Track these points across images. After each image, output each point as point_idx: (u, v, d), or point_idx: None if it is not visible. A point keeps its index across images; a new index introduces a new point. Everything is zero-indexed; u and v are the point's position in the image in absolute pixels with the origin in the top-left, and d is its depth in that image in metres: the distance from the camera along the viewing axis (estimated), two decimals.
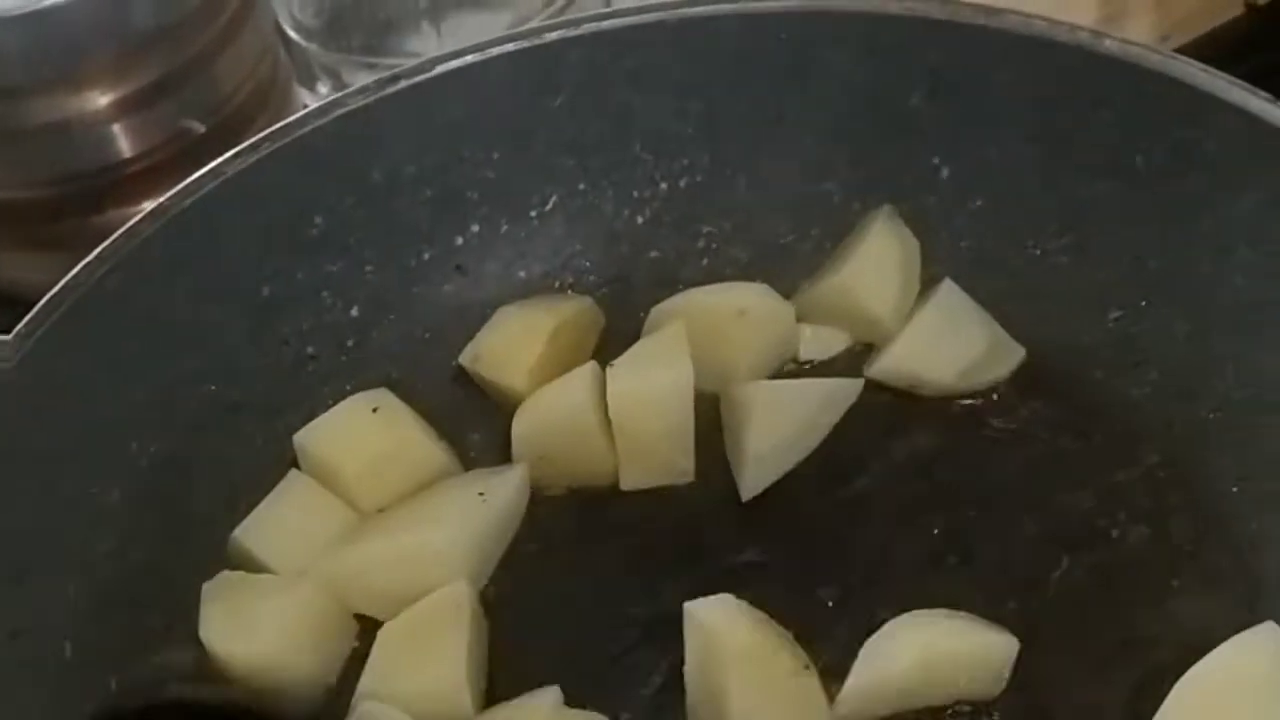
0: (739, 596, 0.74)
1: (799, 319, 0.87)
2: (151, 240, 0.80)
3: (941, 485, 0.81)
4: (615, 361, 0.82)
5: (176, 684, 0.76)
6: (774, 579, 0.78)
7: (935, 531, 0.79)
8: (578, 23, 0.86)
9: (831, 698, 0.72)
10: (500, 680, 0.76)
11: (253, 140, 0.83)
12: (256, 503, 0.81)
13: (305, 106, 0.87)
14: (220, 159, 0.82)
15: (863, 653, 0.72)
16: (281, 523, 0.81)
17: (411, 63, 0.86)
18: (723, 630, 0.72)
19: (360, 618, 0.79)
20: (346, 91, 0.85)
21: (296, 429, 0.83)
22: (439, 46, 1.09)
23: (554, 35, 0.86)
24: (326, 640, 0.77)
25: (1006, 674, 0.73)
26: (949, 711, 0.73)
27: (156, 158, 0.99)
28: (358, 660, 0.76)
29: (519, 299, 0.88)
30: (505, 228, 0.89)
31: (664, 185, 0.90)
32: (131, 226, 0.80)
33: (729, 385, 0.83)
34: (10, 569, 0.72)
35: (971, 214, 0.86)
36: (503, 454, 0.84)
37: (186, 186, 0.81)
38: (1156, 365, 0.82)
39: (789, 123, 0.87)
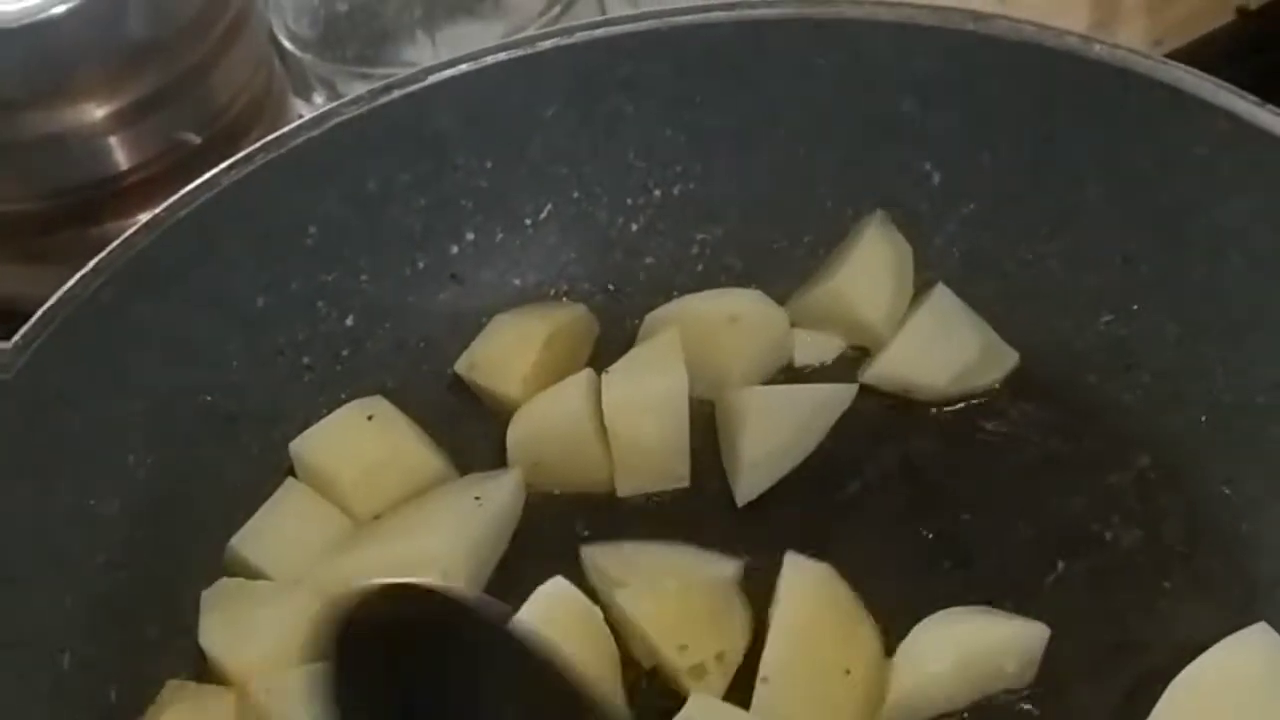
0: None
1: (793, 325, 0.87)
2: (147, 252, 0.80)
3: (935, 490, 0.81)
4: (610, 368, 0.83)
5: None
6: (770, 584, 0.78)
7: (929, 536, 0.80)
8: (571, 31, 0.87)
9: None
10: None
11: (247, 151, 0.83)
12: (253, 512, 0.81)
13: (301, 117, 0.87)
14: (215, 170, 0.83)
15: (896, 662, 0.72)
16: (278, 531, 0.81)
17: (405, 72, 0.86)
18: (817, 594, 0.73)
19: None
20: (340, 102, 0.86)
21: (292, 438, 0.83)
22: (434, 56, 1.10)
23: (547, 44, 0.86)
24: None
25: (1038, 660, 0.73)
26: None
27: (152, 169, 0.99)
28: None
29: (514, 307, 0.89)
30: (500, 236, 0.90)
31: (658, 193, 0.90)
32: (127, 238, 0.80)
33: (723, 391, 0.84)
34: (8, 579, 0.73)
35: (963, 219, 0.87)
36: (498, 461, 0.84)
37: (181, 198, 0.82)
38: (1148, 369, 0.82)
39: (781, 129, 0.88)
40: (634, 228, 0.90)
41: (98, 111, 0.97)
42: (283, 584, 0.79)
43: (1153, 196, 0.81)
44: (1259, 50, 1.14)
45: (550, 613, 0.73)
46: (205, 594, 0.78)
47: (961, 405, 0.84)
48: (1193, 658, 0.70)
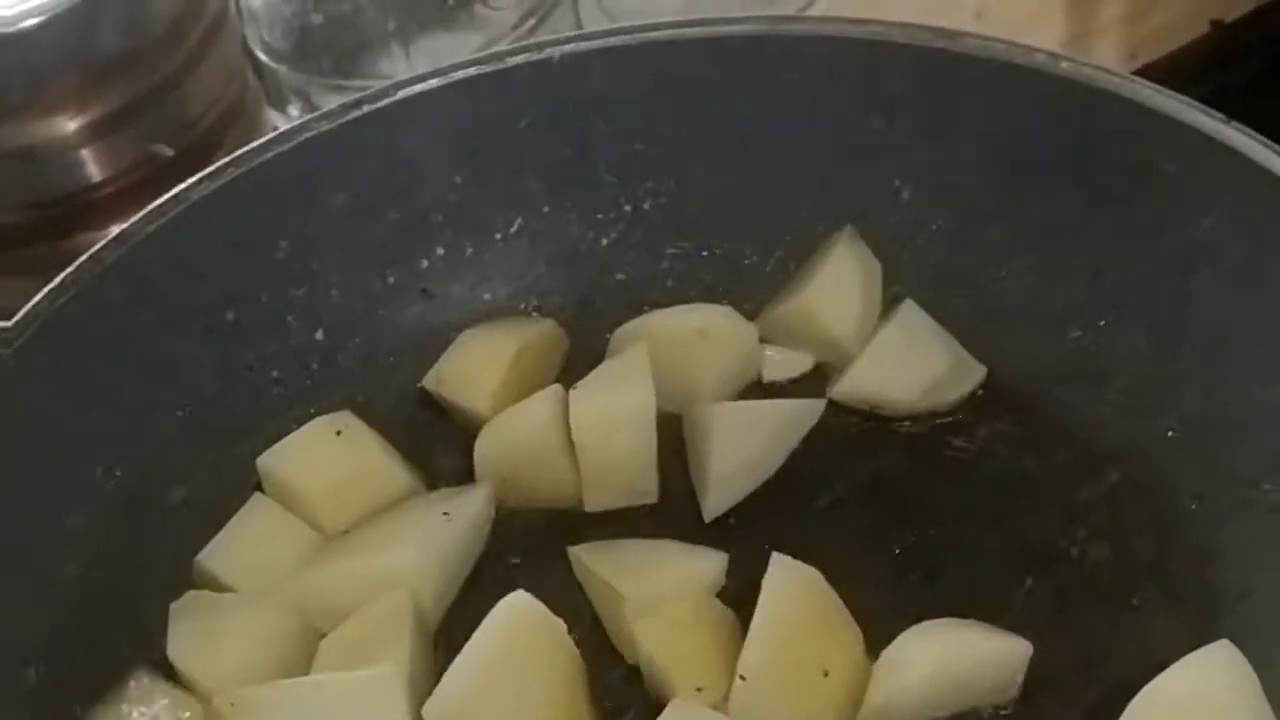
0: None
1: (762, 340, 0.87)
2: (115, 266, 0.80)
3: (904, 505, 0.81)
4: (578, 384, 0.82)
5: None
6: (737, 597, 0.77)
7: (897, 551, 0.80)
8: (541, 46, 0.87)
9: None
10: None
11: (217, 165, 0.83)
12: (222, 526, 0.81)
13: (275, 129, 0.87)
14: (184, 184, 0.83)
15: (878, 667, 0.73)
16: (246, 545, 0.81)
17: (376, 87, 0.86)
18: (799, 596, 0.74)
19: None
20: (310, 117, 0.86)
21: (261, 452, 0.83)
22: (408, 68, 1.10)
23: (517, 59, 0.86)
24: (291, 658, 0.77)
25: (1020, 677, 0.73)
26: None
27: (125, 182, 0.99)
28: None
29: (484, 322, 0.89)
30: (470, 251, 0.90)
31: (628, 208, 0.90)
32: (95, 253, 0.80)
33: (692, 406, 0.84)
34: None
35: (933, 234, 0.87)
36: (467, 477, 0.84)
37: (150, 212, 0.82)
38: (1117, 384, 0.83)
39: (752, 145, 0.88)
40: (605, 243, 0.90)
41: (70, 124, 0.97)
42: (252, 596, 0.79)
43: (1121, 212, 0.82)
44: (1234, 62, 1.15)
45: (512, 627, 0.73)
46: (174, 606, 0.78)
47: (930, 421, 0.84)
48: (1159, 673, 0.70)
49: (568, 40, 0.87)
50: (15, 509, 0.75)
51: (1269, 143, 0.77)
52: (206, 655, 0.76)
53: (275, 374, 0.86)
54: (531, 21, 1.13)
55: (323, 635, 0.78)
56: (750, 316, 0.87)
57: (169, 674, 0.76)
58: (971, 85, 0.83)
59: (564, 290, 0.91)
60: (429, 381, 0.87)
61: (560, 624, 0.74)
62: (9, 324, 0.77)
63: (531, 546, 0.82)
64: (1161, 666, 0.70)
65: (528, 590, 0.74)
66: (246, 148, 0.84)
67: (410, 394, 0.88)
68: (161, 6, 0.98)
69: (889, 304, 0.87)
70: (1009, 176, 0.84)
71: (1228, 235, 0.79)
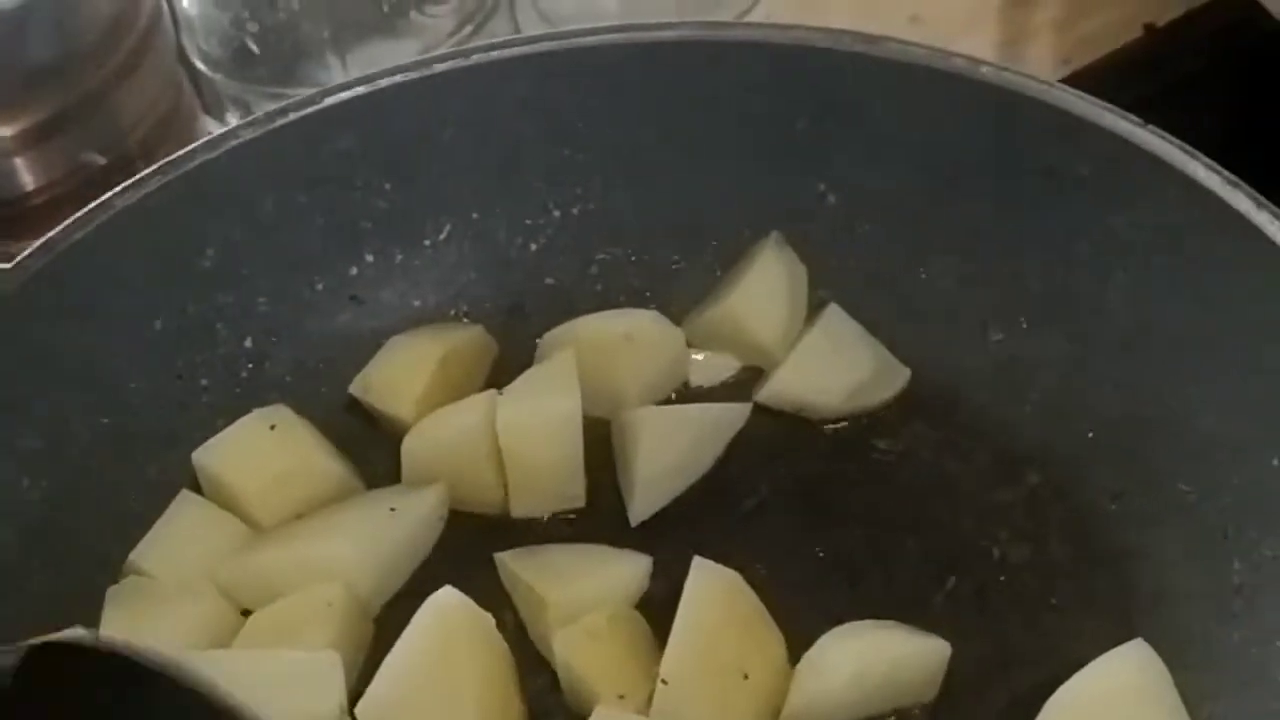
0: None
1: (689, 345, 0.88)
2: (40, 275, 0.80)
3: (828, 507, 0.82)
4: (505, 390, 0.83)
5: None
6: (663, 601, 0.78)
7: (821, 554, 0.80)
8: (468, 53, 0.87)
9: None
10: None
11: (143, 174, 0.83)
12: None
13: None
14: (109, 193, 0.82)
15: (799, 669, 0.73)
16: (176, 542, 0.81)
17: (302, 94, 0.87)
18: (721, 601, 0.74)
19: None
20: (237, 124, 0.86)
21: (189, 461, 0.83)
22: (345, 76, 1.10)
23: (443, 66, 0.86)
24: (223, 643, 0.77)
25: (940, 677, 0.74)
26: None
27: (57, 191, 0.99)
28: None
29: (414, 328, 0.89)
30: (400, 257, 0.90)
31: (557, 213, 0.90)
32: (20, 261, 0.80)
33: (619, 411, 0.84)
34: None
35: (857, 239, 0.88)
36: (397, 483, 0.84)
37: (76, 220, 0.81)
38: (1037, 386, 0.83)
39: (678, 150, 0.88)
40: (533, 248, 0.91)
41: (1, 132, 0.96)
42: (185, 585, 0.79)
43: (1040, 215, 0.82)
44: (1167, 66, 1.15)
45: (442, 623, 0.73)
46: (110, 591, 0.78)
47: (855, 424, 0.85)
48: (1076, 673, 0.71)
49: (494, 46, 0.87)
50: None
51: (1185, 146, 0.78)
52: (137, 640, 0.75)
53: (204, 381, 0.86)
54: (469, 28, 1.13)
55: None
56: (677, 321, 0.88)
57: None
58: (893, 90, 0.84)
59: (494, 296, 0.91)
60: (355, 388, 0.87)
61: (489, 618, 0.74)
62: None
63: (457, 551, 0.82)
64: (1080, 665, 0.71)
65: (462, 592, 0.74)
66: (172, 156, 0.84)
67: (340, 401, 0.88)
68: (93, 14, 0.98)
69: (814, 308, 0.88)
70: (930, 180, 0.85)
71: (1144, 237, 0.80)
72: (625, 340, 0.85)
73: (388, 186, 0.88)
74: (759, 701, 0.73)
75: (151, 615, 0.77)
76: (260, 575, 0.79)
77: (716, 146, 0.88)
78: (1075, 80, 1.09)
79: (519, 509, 0.82)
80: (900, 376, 0.85)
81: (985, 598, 0.78)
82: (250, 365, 0.87)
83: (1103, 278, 0.81)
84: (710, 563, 0.75)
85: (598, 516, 0.83)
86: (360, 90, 0.86)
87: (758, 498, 0.83)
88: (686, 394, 0.87)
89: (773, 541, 0.81)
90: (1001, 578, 0.79)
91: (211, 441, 0.84)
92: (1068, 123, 0.80)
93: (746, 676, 0.73)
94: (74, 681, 0.59)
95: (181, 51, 1.10)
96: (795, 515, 0.82)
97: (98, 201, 0.82)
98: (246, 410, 0.85)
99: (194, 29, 1.11)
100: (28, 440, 0.80)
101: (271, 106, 0.88)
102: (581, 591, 0.76)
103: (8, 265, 0.79)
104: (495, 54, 0.87)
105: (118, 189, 0.82)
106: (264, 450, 0.83)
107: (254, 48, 1.10)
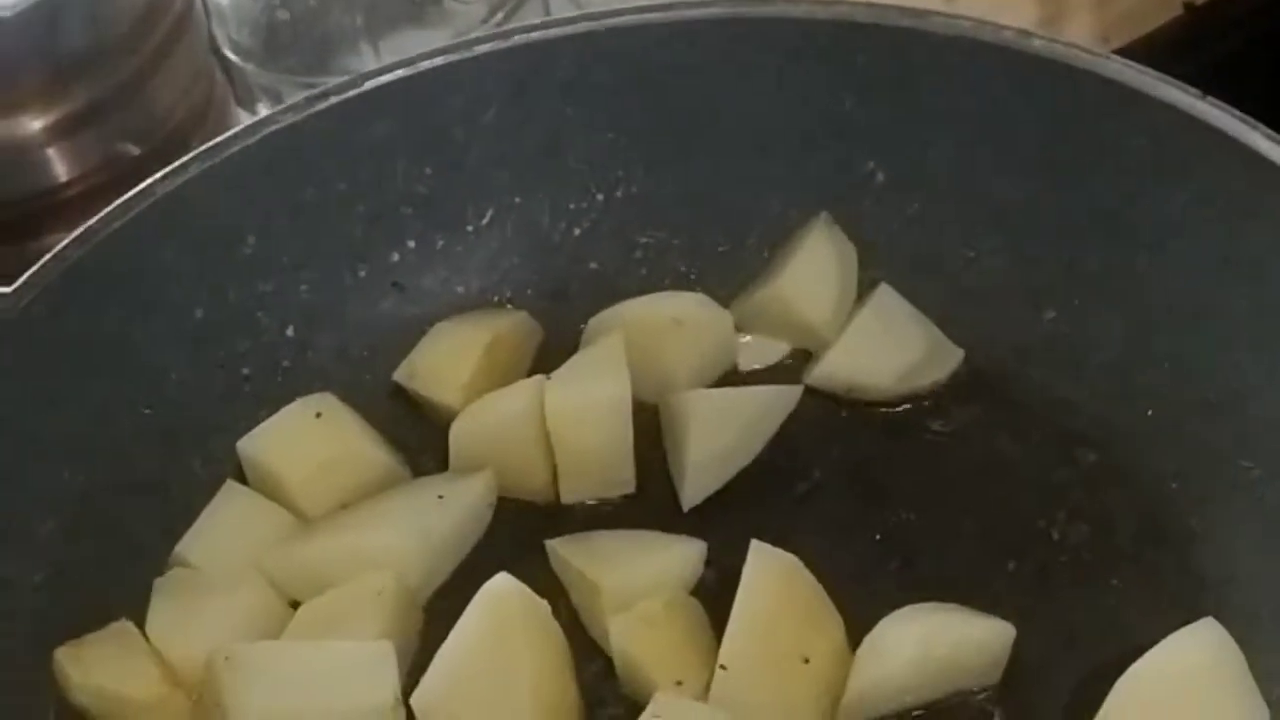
0: None
1: (737, 328, 0.86)
2: (80, 265, 0.79)
3: (882, 490, 0.81)
4: (553, 374, 0.82)
5: None
6: (716, 587, 0.77)
7: (877, 537, 0.79)
8: (507, 35, 0.86)
9: None
10: None
11: (182, 161, 0.83)
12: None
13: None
14: (149, 180, 0.82)
15: (860, 653, 0.72)
16: (222, 533, 0.80)
17: (341, 79, 0.86)
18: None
19: None
20: (275, 110, 0.85)
21: (233, 451, 0.82)
22: (378, 64, 1.09)
23: (483, 48, 0.85)
24: (272, 635, 0.76)
25: (1004, 660, 0.73)
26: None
27: (92, 182, 0.98)
28: None
29: (457, 314, 0.88)
30: (441, 243, 0.89)
31: (600, 196, 0.89)
32: (59, 251, 0.79)
33: (668, 395, 0.83)
34: None
35: (907, 218, 0.86)
36: (444, 470, 0.83)
37: (115, 209, 0.81)
38: (1093, 364, 0.82)
39: (723, 130, 0.87)
40: (577, 232, 0.90)
41: (35, 124, 0.96)
42: (232, 576, 0.78)
43: (1094, 190, 0.81)
44: (1206, 45, 1.14)
45: (497, 610, 0.72)
46: (157, 583, 0.77)
47: (907, 405, 0.84)
48: (1141, 653, 0.69)
49: (534, 28, 0.86)
50: None
51: (1244, 117, 0.76)
52: (185, 632, 0.75)
53: (246, 371, 0.85)
54: (500, 15, 1.12)
55: None
56: (725, 304, 0.87)
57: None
58: (940, 65, 0.82)
59: (537, 281, 0.90)
60: (400, 375, 0.86)
61: (545, 605, 0.73)
62: None
63: (506, 538, 0.81)
64: (1144, 647, 0.70)
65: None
66: (211, 142, 0.83)
67: (384, 389, 0.87)
68: (125, 3, 0.97)
69: (865, 288, 0.86)
70: (981, 156, 0.83)
71: (1202, 212, 0.78)
72: (673, 324, 0.84)
73: (428, 171, 0.87)
74: (819, 686, 0.72)
75: (199, 608, 0.77)
76: (308, 566, 0.78)
77: (760, 125, 0.87)
78: None
79: (568, 495, 0.81)
80: (953, 357, 0.84)
81: (1046, 579, 0.77)
82: (293, 354, 0.86)
83: (1158, 253, 0.80)
84: (769, 547, 0.74)
85: (648, 502, 0.82)
86: (400, 73, 0.85)
87: (810, 481, 0.82)
88: (735, 377, 0.86)
89: (827, 525, 0.80)
90: (1062, 559, 0.77)
91: (256, 431, 0.83)
92: (1123, 95, 0.78)
93: (807, 661, 0.72)
94: None
95: (213, 41, 1.10)
96: (849, 499, 0.81)
97: (137, 189, 0.81)
98: (290, 399, 0.84)
99: (225, 18, 1.10)
100: (69, 432, 0.79)
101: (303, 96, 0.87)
102: (636, 578, 0.75)
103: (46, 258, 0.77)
104: (534, 35, 0.86)
105: (157, 176, 0.82)
106: (309, 439, 0.82)
107: (285, 37, 1.09)
